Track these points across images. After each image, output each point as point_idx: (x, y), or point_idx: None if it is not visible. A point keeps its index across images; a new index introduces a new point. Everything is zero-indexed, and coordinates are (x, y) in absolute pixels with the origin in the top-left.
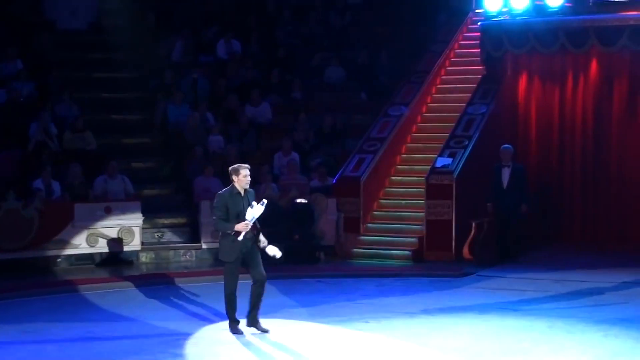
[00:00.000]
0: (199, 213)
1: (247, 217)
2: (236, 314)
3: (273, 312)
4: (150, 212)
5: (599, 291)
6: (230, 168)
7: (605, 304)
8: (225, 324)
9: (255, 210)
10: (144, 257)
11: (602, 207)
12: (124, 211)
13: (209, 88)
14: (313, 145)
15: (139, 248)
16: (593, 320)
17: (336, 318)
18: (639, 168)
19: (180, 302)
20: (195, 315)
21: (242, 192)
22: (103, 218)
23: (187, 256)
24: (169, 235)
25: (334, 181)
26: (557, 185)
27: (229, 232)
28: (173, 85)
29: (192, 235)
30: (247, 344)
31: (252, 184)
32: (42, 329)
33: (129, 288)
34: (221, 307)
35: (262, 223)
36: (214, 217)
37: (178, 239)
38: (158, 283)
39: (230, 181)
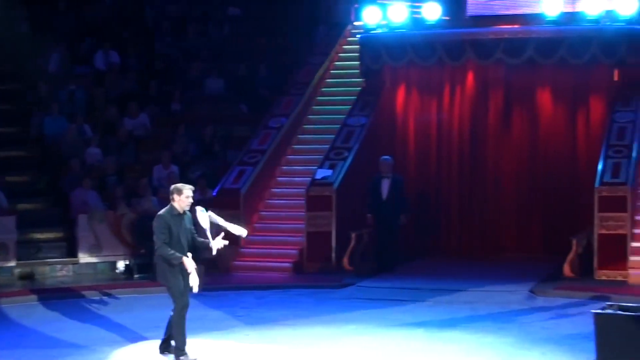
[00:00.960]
0: (76, 227)
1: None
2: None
3: (154, 327)
4: (25, 226)
5: (476, 299)
6: (172, 187)
7: (481, 312)
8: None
9: (204, 219)
10: (18, 273)
11: (478, 218)
12: None
13: (87, 100)
14: (193, 157)
15: (14, 264)
16: (470, 328)
17: (216, 332)
18: (513, 179)
19: (61, 318)
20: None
21: (182, 213)
22: None
23: (64, 271)
24: (45, 250)
25: (214, 193)
26: (435, 196)
27: (175, 262)
28: (49, 97)
29: (69, 249)
30: None
31: (131, 197)
32: None
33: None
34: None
35: (142, 236)
36: (158, 241)
37: (54, 254)
38: (33, 299)
39: (170, 201)
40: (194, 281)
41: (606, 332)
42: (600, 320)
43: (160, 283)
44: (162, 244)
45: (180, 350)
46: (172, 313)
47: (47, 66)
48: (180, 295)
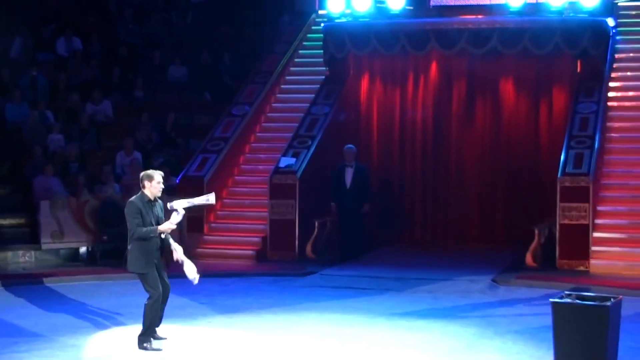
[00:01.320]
0: (38, 213)
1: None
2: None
3: (117, 314)
4: None
5: (438, 288)
6: (142, 174)
7: (444, 300)
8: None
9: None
10: None
11: (441, 208)
12: None
13: (49, 86)
14: (156, 144)
15: None
16: (432, 317)
17: (179, 319)
18: (476, 169)
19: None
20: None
21: (153, 200)
22: None
23: (27, 257)
24: (7, 236)
25: (177, 181)
26: (398, 185)
27: (152, 235)
28: (11, 83)
29: (32, 236)
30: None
31: (93, 184)
32: None
33: None
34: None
35: (105, 223)
36: (132, 225)
37: (17, 240)
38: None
39: (141, 188)
40: (191, 273)
41: (564, 321)
42: (557, 309)
43: (133, 272)
44: (136, 227)
45: (146, 336)
46: (146, 302)
47: (9, 52)
48: (154, 284)
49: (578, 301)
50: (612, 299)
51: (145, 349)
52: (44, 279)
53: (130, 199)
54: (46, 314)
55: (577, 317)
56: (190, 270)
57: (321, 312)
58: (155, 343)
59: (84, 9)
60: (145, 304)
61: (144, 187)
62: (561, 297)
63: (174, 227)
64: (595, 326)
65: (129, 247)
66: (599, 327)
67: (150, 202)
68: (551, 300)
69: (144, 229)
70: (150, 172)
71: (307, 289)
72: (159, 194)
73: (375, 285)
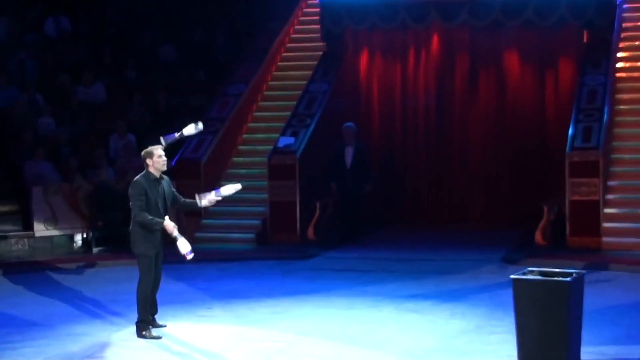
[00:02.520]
0: (30, 199)
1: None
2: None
3: (113, 302)
4: None
5: (445, 269)
6: (142, 152)
7: (451, 281)
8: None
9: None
10: None
11: (445, 186)
12: None
13: (38, 68)
14: (149, 126)
15: None
16: (439, 299)
17: (178, 305)
18: (481, 146)
19: (17, 293)
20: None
21: (159, 176)
22: None
23: (20, 245)
24: None
25: (173, 163)
26: (400, 164)
27: (157, 228)
28: None
29: (24, 223)
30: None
31: (86, 168)
32: None
33: None
34: (62, 297)
35: (100, 209)
36: (135, 208)
37: (9, 227)
38: None
39: (145, 166)
40: (185, 247)
41: (523, 297)
42: (517, 285)
43: (136, 253)
44: (139, 211)
45: (144, 324)
46: (139, 285)
47: None
48: (148, 269)
49: (539, 277)
50: (574, 274)
51: (144, 337)
52: (38, 267)
53: (135, 178)
54: (41, 303)
55: (537, 293)
56: (184, 245)
57: (325, 295)
58: (154, 331)
59: None
60: (137, 289)
61: (147, 165)
62: (523, 273)
63: (175, 234)
64: (556, 302)
65: (130, 227)
66: (559, 303)
67: (156, 181)
68: (511, 276)
69: (149, 217)
70: (148, 149)
71: (310, 272)
72: (164, 168)
73: (380, 267)
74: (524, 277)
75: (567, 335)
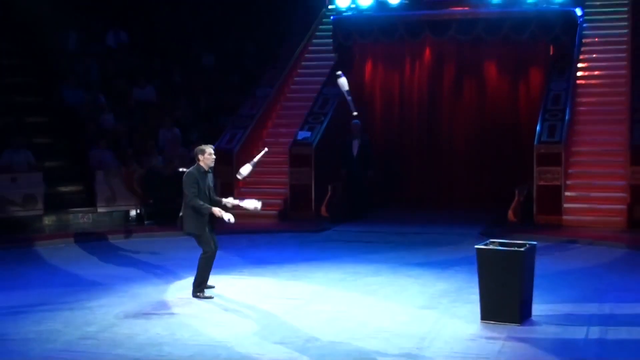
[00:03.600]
0: (94, 181)
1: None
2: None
3: (161, 267)
4: (51, 181)
5: (433, 241)
6: (195, 149)
7: (438, 251)
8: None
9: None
10: (47, 220)
11: (434, 173)
12: (27, 181)
13: (100, 73)
14: (191, 122)
15: (42, 212)
16: (429, 265)
17: (215, 269)
18: (464, 139)
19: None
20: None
21: (207, 170)
22: (9, 187)
23: (85, 219)
24: (68, 201)
25: None
26: (398, 154)
27: (205, 212)
28: (68, 70)
29: (88, 200)
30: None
31: (140, 156)
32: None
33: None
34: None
35: (150, 189)
36: (189, 194)
37: (76, 204)
38: (60, 243)
39: (196, 161)
40: (251, 203)
41: (486, 264)
42: (480, 253)
43: (189, 233)
44: (193, 197)
45: (199, 287)
46: (203, 254)
47: (66, 44)
48: (208, 242)
49: (499, 247)
50: (527, 245)
51: (199, 297)
52: (100, 237)
53: (188, 170)
54: (103, 266)
55: (497, 260)
56: (250, 203)
57: (334, 262)
58: (207, 292)
59: (128, 6)
60: (200, 258)
61: (198, 160)
62: (486, 244)
63: (223, 214)
64: (512, 268)
65: (182, 211)
66: (514, 269)
67: (205, 173)
68: (476, 246)
69: (200, 202)
70: (202, 146)
71: (322, 242)
72: (212, 164)
73: (379, 239)
74: (486, 247)
75: (520, 294)
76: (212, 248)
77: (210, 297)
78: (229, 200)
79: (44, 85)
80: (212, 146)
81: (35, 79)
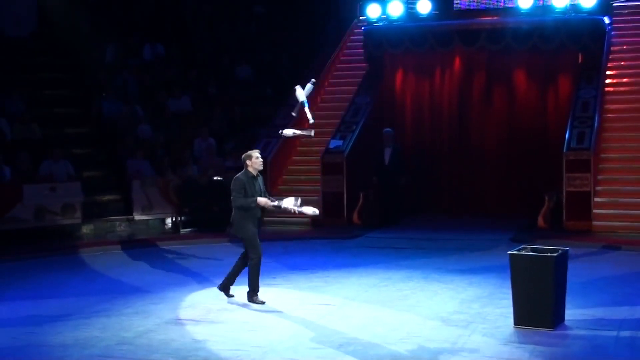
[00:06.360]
0: (131, 190)
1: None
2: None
3: (197, 274)
4: (89, 190)
5: (464, 247)
6: (243, 155)
7: (469, 257)
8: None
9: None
10: (85, 229)
11: (465, 180)
12: (66, 190)
13: (138, 85)
14: (226, 132)
15: (80, 221)
16: (460, 271)
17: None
18: (494, 147)
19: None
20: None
21: (256, 175)
22: (49, 197)
23: (122, 227)
24: (105, 210)
25: None
26: (429, 162)
27: (252, 205)
28: (106, 83)
29: (126, 209)
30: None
31: (176, 166)
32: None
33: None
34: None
35: (186, 198)
36: (236, 196)
37: (114, 213)
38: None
39: (245, 166)
40: (310, 209)
41: (519, 270)
42: (513, 259)
43: (238, 236)
44: (239, 197)
45: (254, 292)
46: (250, 262)
47: (104, 58)
48: (255, 248)
49: (532, 253)
50: (559, 251)
51: (254, 301)
52: (138, 245)
53: (236, 175)
54: (141, 272)
55: (530, 266)
56: (309, 209)
57: (366, 268)
58: (260, 297)
59: (165, 20)
60: (249, 265)
61: (246, 165)
62: (519, 250)
63: (269, 204)
64: (544, 273)
65: (232, 215)
66: (547, 274)
67: (254, 178)
68: (509, 252)
69: (245, 200)
70: (248, 152)
71: (355, 249)
72: (261, 167)
73: (411, 246)
74: (518, 253)
75: (552, 299)
76: (259, 253)
77: (263, 302)
78: (287, 203)
79: (84, 98)
80: (258, 150)
81: (75, 91)
